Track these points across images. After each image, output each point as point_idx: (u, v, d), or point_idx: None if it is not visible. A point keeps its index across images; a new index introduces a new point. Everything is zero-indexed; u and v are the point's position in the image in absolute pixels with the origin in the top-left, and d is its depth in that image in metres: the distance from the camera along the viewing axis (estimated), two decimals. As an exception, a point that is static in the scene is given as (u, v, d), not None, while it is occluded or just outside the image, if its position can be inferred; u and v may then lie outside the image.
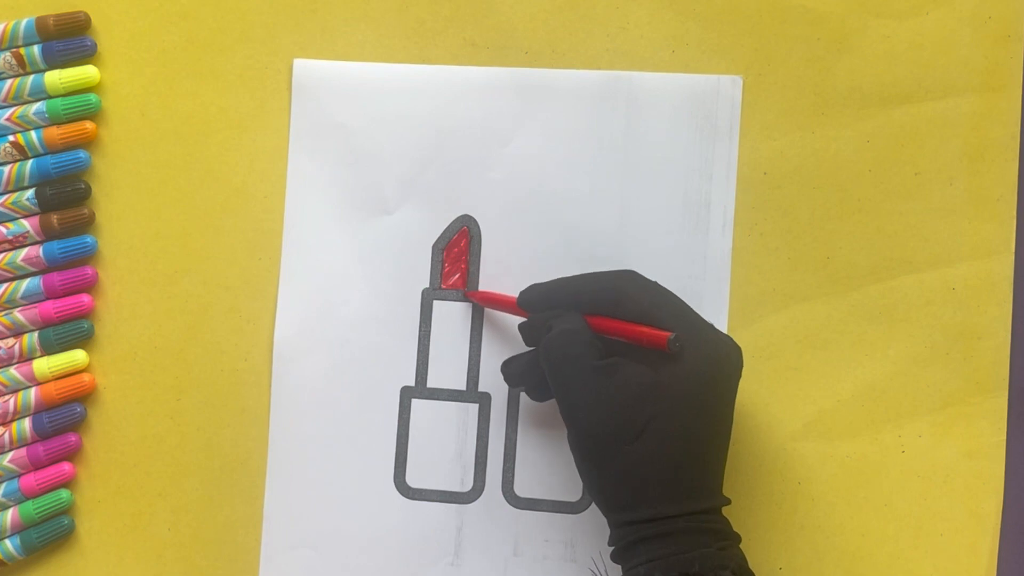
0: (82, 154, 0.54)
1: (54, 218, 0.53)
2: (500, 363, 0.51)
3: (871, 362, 0.51)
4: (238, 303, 0.54)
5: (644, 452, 0.42)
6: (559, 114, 0.52)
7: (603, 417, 0.43)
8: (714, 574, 0.41)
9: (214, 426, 0.54)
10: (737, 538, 0.44)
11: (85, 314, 0.54)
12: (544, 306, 0.47)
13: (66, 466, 0.54)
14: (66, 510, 0.54)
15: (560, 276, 0.49)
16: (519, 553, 0.52)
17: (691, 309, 0.45)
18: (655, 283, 0.46)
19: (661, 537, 0.42)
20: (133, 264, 0.54)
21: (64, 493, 0.54)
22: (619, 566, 0.44)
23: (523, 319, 0.49)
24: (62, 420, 0.53)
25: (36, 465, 0.53)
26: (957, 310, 0.51)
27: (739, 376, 0.44)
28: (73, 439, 0.54)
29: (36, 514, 0.53)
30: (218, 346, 0.54)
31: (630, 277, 0.46)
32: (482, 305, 0.52)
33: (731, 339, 0.45)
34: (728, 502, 0.44)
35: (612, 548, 0.44)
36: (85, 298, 0.54)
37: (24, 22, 0.54)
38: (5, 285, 0.54)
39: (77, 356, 0.54)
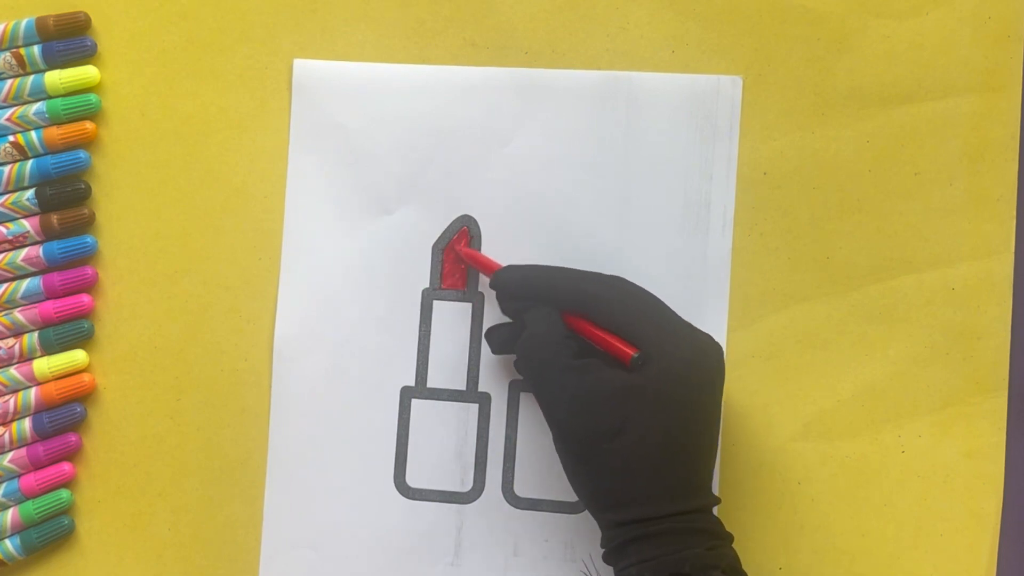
0: (82, 154, 0.54)
1: (54, 218, 0.53)
2: (500, 363, 0.51)
3: (871, 362, 0.51)
4: (238, 303, 0.54)
5: (624, 452, 0.42)
6: (559, 114, 0.52)
7: (580, 417, 0.43)
8: (704, 574, 0.41)
9: (214, 426, 0.54)
10: (729, 537, 0.44)
11: (85, 314, 0.54)
12: (518, 291, 0.48)
13: (66, 466, 0.54)
14: (66, 510, 0.54)
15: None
16: (519, 553, 0.52)
17: (667, 309, 0.45)
18: (632, 287, 0.46)
19: (651, 538, 0.42)
20: (133, 264, 0.54)
21: (64, 493, 0.54)
22: (611, 567, 0.44)
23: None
24: (62, 420, 0.53)
25: (36, 465, 0.53)
26: (957, 310, 0.51)
27: (721, 375, 0.44)
28: (73, 439, 0.54)
29: (36, 514, 0.53)
30: (218, 346, 0.54)
31: (608, 282, 0.46)
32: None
33: (711, 338, 0.45)
34: (718, 501, 0.44)
35: (603, 549, 0.44)
36: (85, 298, 0.54)
37: (24, 22, 0.54)
38: (5, 285, 0.54)
39: (77, 356, 0.54)
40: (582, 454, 0.43)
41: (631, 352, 0.43)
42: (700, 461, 0.44)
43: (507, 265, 0.49)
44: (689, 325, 0.45)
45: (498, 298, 0.50)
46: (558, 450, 0.45)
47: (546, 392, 0.44)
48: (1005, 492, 0.50)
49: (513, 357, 0.51)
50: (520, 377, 0.52)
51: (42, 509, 0.53)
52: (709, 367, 0.44)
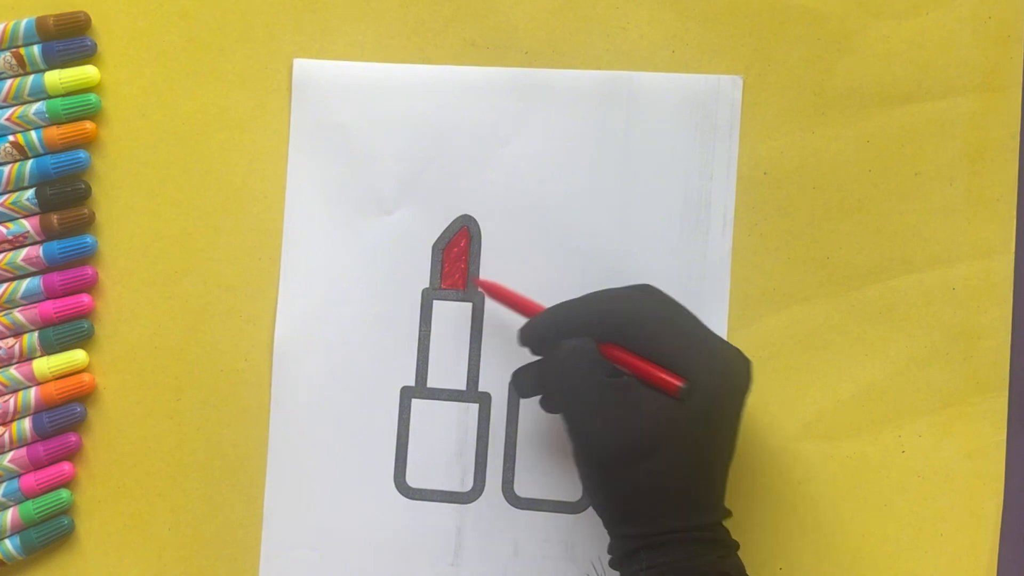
0: (82, 154, 0.54)
1: (54, 218, 0.53)
2: (500, 363, 0.51)
3: (871, 362, 0.51)
4: (238, 303, 0.54)
5: (655, 471, 0.41)
6: (559, 114, 0.52)
7: (615, 436, 0.42)
8: None
9: (214, 426, 0.54)
10: (736, 546, 0.44)
11: (85, 314, 0.54)
12: (548, 332, 0.46)
13: (66, 466, 0.54)
14: (66, 510, 0.54)
15: (559, 277, 0.48)
16: (519, 553, 0.52)
17: (700, 324, 0.44)
18: (664, 299, 0.45)
19: (662, 546, 0.42)
20: (133, 264, 0.54)
21: (64, 493, 0.54)
22: (617, 571, 0.44)
23: (524, 318, 0.48)
24: (62, 420, 0.53)
25: (36, 465, 0.53)
26: (957, 310, 0.51)
27: (748, 390, 0.44)
28: (73, 439, 0.54)
29: (36, 514, 0.53)
30: (218, 346, 0.54)
31: (634, 296, 0.45)
32: (488, 295, 0.51)
33: (741, 352, 0.44)
34: (730, 514, 0.44)
35: (611, 556, 0.44)
36: (85, 298, 0.54)
37: (24, 22, 0.54)
38: (5, 285, 0.54)
39: (77, 356, 0.54)
40: (610, 471, 0.42)
41: (677, 383, 0.42)
42: (720, 476, 0.44)
43: (527, 322, 0.47)
44: (719, 338, 0.44)
45: (532, 351, 0.47)
46: (580, 463, 0.44)
47: (580, 406, 0.43)
48: (1005, 492, 0.50)
49: (515, 357, 0.51)
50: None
51: (42, 509, 0.53)
52: (742, 382, 0.44)
